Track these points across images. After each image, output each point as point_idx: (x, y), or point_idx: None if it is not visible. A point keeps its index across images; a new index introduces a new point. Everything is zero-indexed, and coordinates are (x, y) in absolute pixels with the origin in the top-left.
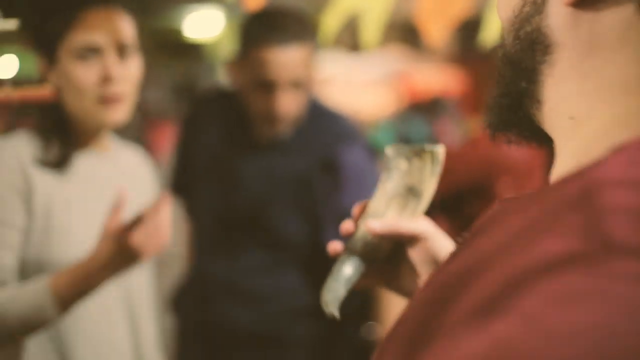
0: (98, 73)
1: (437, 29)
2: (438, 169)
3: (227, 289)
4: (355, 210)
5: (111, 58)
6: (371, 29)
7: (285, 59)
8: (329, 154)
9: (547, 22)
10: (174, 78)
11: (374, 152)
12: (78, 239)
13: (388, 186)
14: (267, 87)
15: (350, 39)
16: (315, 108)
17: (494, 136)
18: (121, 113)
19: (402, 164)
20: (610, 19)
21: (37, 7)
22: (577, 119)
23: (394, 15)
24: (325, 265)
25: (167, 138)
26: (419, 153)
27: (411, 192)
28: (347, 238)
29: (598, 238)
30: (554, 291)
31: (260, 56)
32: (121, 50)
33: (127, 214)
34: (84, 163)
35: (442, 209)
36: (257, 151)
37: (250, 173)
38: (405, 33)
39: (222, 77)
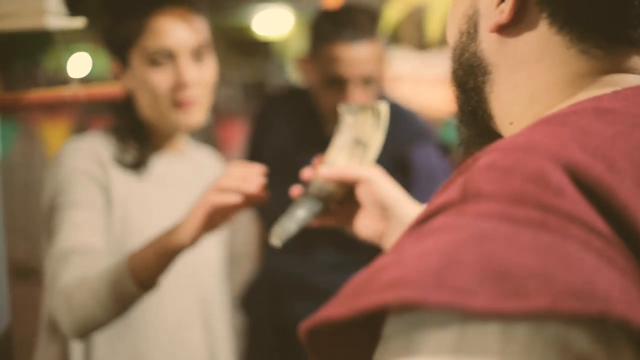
0: (172, 78)
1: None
2: (381, 122)
3: (298, 287)
4: (315, 160)
5: (185, 62)
6: (435, 23)
7: (356, 55)
8: (401, 153)
9: (481, 47)
10: (243, 76)
11: (445, 149)
12: (137, 242)
13: (339, 139)
14: (337, 83)
15: (417, 36)
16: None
17: (467, 151)
18: (196, 116)
19: (349, 119)
20: (528, 37)
21: (109, 10)
22: (515, 124)
23: None
24: None
25: (237, 135)
26: (363, 109)
27: (358, 143)
28: (306, 184)
29: (464, 189)
30: (429, 228)
31: (331, 53)
32: (195, 53)
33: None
34: (159, 164)
35: None
36: (327, 147)
37: None
38: None
39: (292, 74)
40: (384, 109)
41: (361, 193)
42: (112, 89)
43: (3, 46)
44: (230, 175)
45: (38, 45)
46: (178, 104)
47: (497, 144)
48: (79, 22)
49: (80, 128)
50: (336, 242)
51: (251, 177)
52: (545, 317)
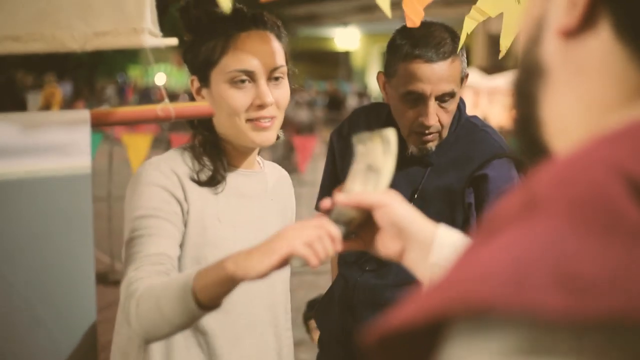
0: (251, 98)
1: None
2: (390, 147)
3: (372, 302)
4: (336, 190)
5: (264, 84)
6: (506, 37)
7: (435, 72)
8: (480, 169)
9: (543, 50)
10: (323, 90)
11: (521, 163)
12: (224, 254)
13: (354, 167)
14: (416, 99)
15: (484, 60)
16: (466, 122)
17: (530, 161)
18: (270, 135)
19: (361, 148)
20: (592, 46)
21: (194, 29)
22: (565, 132)
23: None
24: None
25: (313, 147)
26: (371, 137)
27: (370, 169)
28: (328, 212)
29: (531, 197)
30: (496, 235)
31: (410, 69)
32: (273, 75)
33: (271, 232)
34: (234, 180)
35: None
36: (407, 165)
37: (399, 187)
38: None
39: (362, 80)
40: (392, 135)
41: (378, 216)
42: (199, 107)
43: (90, 63)
44: (321, 228)
45: (121, 63)
46: (255, 123)
47: (561, 154)
48: (172, 41)
49: (161, 139)
50: None
51: (336, 241)
52: (620, 322)
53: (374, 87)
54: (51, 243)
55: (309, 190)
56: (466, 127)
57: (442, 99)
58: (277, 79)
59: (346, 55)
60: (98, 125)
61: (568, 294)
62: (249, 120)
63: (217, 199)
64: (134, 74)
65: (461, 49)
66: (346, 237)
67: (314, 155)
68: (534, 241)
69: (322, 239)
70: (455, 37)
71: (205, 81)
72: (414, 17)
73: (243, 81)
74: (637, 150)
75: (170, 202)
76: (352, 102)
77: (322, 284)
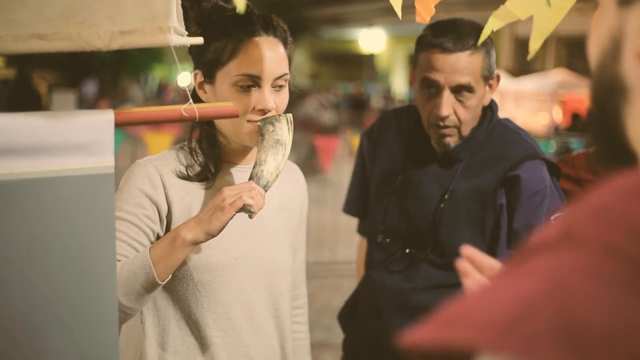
0: (254, 102)
1: None
2: (291, 126)
3: (398, 305)
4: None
5: (268, 90)
6: (535, 41)
7: (450, 62)
8: (513, 170)
9: (623, 69)
10: (347, 86)
11: (553, 166)
12: (215, 247)
13: (263, 144)
14: (433, 90)
15: (513, 63)
16: (498, 124)
17: (601, 166)
18: None
19: (269, 127)
20: None
21: (200, 24)
22: None
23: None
24: None
25: (336, 147)
26: (278, 119)
27: (278, 142)
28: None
29: (567, 229)
30: (523, 268)
31: (427, 58)
32: (276, 82)
33: (266, 226)
34: (228, 176)
35: None
36: (438, 165)
37: (430, 187)
38: (572, 54)
39: (391, 89)
40: (290, 116)
41: None
42: (223, 108)
43: (115, 62)
44: (252, 186)
45: (146, 62)
46: (255, 124)
47: (617, 181)
48: (198, 40)
49: (182, 136)
50: (438, 262)
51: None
52: None
53: (399, 89)
54: (74, 241)
55: (333, 193)
56: (498, 128)
57: (458, 91)
58: (279, 86)
59: (371, 57)
60: (122, 125)
61: (561, 349)
62: (249, 121)
63: (207, 193)
64: (159, 73)
65: (489, 46)
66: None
67: (338, 156)
68: (550, 286)
69: (257, 194)
70: (477, 32)
71: (210, 78)
72: (424, 13)
73: (248, 84)
74: None
75: (145, 205)
76: (376, 104)
77: (346, 286)
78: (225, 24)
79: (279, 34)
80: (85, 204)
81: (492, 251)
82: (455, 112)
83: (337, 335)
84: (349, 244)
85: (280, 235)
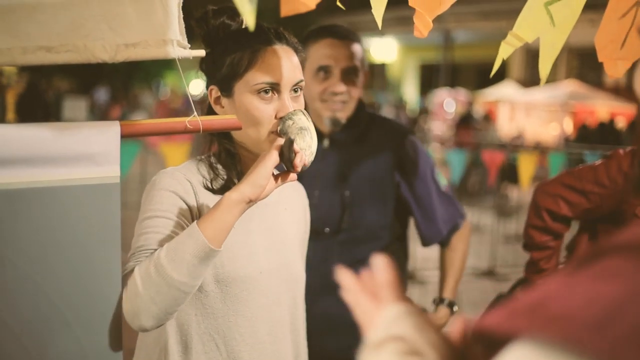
0: (274, 110)
1: (618, 66)
2: (309, 117)
3: (329, 323)
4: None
5: (287, 96)
6: (545, 64)
7: (343, 49)
8: (402, 149)
9: None
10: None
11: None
12: (241, 260)
13: (290, 135)
14: (327, 73)
15: (523, 74)
16: (371, 114)
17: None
18: None
19: (289, 122)
20: None
21: (208, 43)
22: None
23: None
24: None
25: None
26: (294, 112)
27: (302, 129)
28: None
29: None
30: (603, 267)
31: (321, 49)
32: (294, 89)
33: (284, 239)
34: None
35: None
36: (333, 153)
37: (332, 176)
38: (582, 65)
39: (403, 99)
40: (304, 111)
41: None
42: (227, 120)
43: (126, 69)
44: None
45: (157, 69)
46: (277, 134)
47: None
48: (200, 52)
49: (198, 147)
50: (350, 241)
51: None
52: None
53: (410, 99)
54: (80, 249)
55: None
56: (372, 116)
57: (348, 73)
58: (296, 91)
59: (382, 66)
60: (128, 136)
61: None
62: (271, 132)
63: None
64: (170, 80)
65: (363, 45)
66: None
67: None
68: (634, 289)
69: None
70: (356, 32)
71: (227, 91)
72: (423, 28)
73: (267, 92)
74: None
75: (180, 206)
76: (387, 113)
77: None
78: (237, 37)
79: (291, 43)
80: (92, 212)
81: (401, 219)
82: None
83: None
84: None
85: (295, 248)
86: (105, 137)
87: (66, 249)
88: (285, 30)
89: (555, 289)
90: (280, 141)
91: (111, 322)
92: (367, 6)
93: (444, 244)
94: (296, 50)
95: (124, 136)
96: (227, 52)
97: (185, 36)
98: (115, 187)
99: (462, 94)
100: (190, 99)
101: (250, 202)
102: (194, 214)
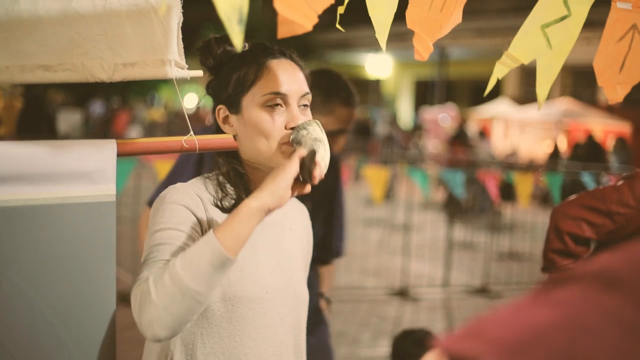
0: (284, 122)
1: (617, 91)
2: (322, 127)
3: None
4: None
5: (296, 108)
6: (542, 85)
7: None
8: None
9: None
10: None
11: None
12: (249, 278)
13: (305, 142)
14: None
15: (517, 92)
16: None
17: None
18: None
19: (303, 132)
20: None
21: (211, 70)
22: None
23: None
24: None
25: (347, 180)
26: (308, 123)
27: (316, 140)
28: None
29: (605, 267)
30: (553, 295)
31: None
32: (302, 101)
33: (289, 259)
34: None
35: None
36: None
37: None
38: (577, 83)
39: (397, 115)
40: (318, 121)
41: None
42: (223, 140)
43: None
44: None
45: (153, 82)
46: (288, 145)
47: None
48: (198, 73)
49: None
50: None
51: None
52: None
53: (404, 115)
54: (75, 267)
55: None
56: None
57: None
58: (305, 105)
59: (377, 82)
60: (124, 154)
61: None
62: (283, 143)
63: None
64: (165, 94)
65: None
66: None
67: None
68: (568, 320)
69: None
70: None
71: (235, 108)
72: (423, 51)
73: (277, 104)
74: None
75: (192, 219)
76: (381, 130)
77: (346, 311)
78: (241, 55)
79: (294, 59)
80: (87, 230)
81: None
82: None
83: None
84: (349, 270)
85: (300, 269)
86: (101, 155)
87: (61, 267)
88: (288, 49)
89: (505, 312)
90: (303, 151)
91: (105, 339)
92: (362, 22)
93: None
94: (300, 67)
95: (120, 155)
96: (233, 70)
97: (183, 56)
98: (110, 205)
99: (451, 109)
100: (187, 117)
101: (269, 211)
102: (205, 229)
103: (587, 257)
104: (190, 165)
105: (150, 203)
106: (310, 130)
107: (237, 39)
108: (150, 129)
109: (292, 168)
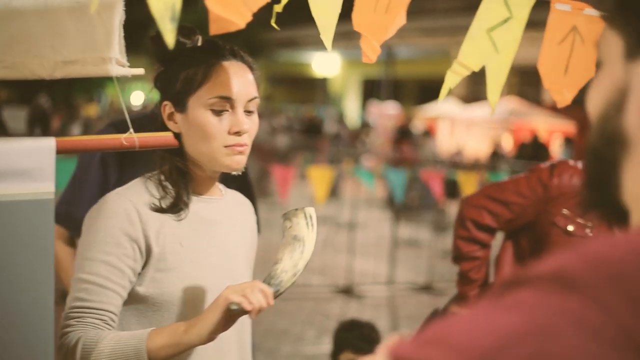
0: (229, 125)
1: (564, 94)
2: (313, 221)
3: None
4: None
5: (242, 112)
6: (492, 90)
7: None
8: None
9: (626, 121)
10: (300, 109)
11: None
12: (189, 279)
13: (283, 240)
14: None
15: (464, 92)
16: None
17: (584, 213)
18: (244, 161)
19: (287, 223)
20: None
21: (162, 61)
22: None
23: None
24: None
25: (292, 178)
26: (295, 213)
27: (295, 239)
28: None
29: (560, 268)
30: (509, 300)
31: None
32: (248, 105)
33: (232, 257)
34: (196, 207)
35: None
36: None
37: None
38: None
39: (344, 113)
40: (311, 210)
41: None
42: (162, 137)
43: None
44: (254, 285)
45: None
46: (231, 148)
47: (616, 237)
48: (139, 71)
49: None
50: None
51: (268, 295)
52: None
53: (351, 114)
54: (12, 264)
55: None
56: None
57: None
58: (250, 110)
59: (324, 80)
60: (64, 152)
61: None
62: (225, 145)
63: (180, 224)
64: (112, 92)
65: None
66: (276, 296)
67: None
68: (531, 325)
69: (254, 291)
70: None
71: (181, 107)
72: (370, 53)
73: (223, 108)
74: None
75: (125, 245)
76: (329, 129)
77: (290, 309)
78: (192, 53)
79: (246, 60)
80: (25, 228)
81: None
82: None
83: (281, 358)
84: None
85: (244, 266)
86: (40, 153)
87: None
88: (237, 49)
89: (464, 319)
90: (233, 305)
91: (42, 340)
92: (309, 20)
93: None
94: (251, 68)
95: (59, 152)
96: (182, 67)
97: (124, 54)
98: (49, 203)
99: (393, 107)
100: (126, 115)
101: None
102: (141, 246)
103: (499, 249)
104: (95, 166)
105: (58, 219)
106: (293, 223)
107: (169, 37)
108: (94, 126)
109: (216, 314)
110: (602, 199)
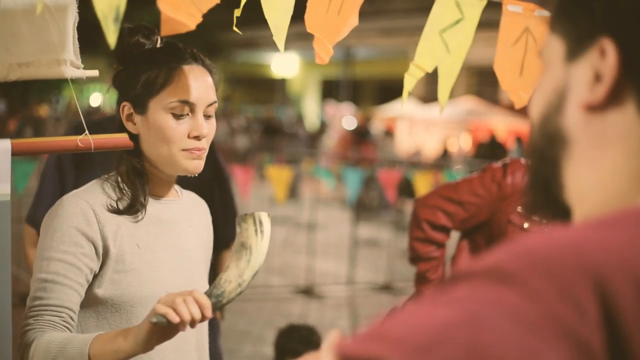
0: (188, 129)
1: (521, 96)
2: (263, 227)
3: None
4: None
5: (201, 116)
6: (443, 90)
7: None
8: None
9: (565, 120)
10: (259, 110)
11: None
12: (147, 280)
13: (232, 247)
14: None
15: (422, 92)
16: None
17: (530, 214)
18: (202, 164)
19: (237, 228)
20: (615, 120)
21: (122, 61)
22: (584, 201)
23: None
24: None
25: (252, 177)
26: (244, 218)
27: (243, 246)
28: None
29: (496, 265)
30: (448, 295)
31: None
32: (207, 109)
33: (190, 258)
34: (153, 208)
35: (467, 233)
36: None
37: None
38: (480, 82)
39: (302, 114)
40: (263, 215)
41: None
42: (118, 139)
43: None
44: (188, 295)
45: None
46: (189, 152)
47: (550, 232)
48: (94, 73)
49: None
50: None
51: (205, 307)
52: None
53: (309, 114)
54: None
55: None
56: None
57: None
58: (209, 115)
59: (283, 81)
60: (19, 154)
61: None
62: (183, 148)
63: (137, 226)
64: (69, 94)
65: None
66: (218, 307)
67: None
68: (468, 317)
69: (187, 302)
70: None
71: (141, 108)
72: (323, 54)
73: (183, 112)
74: (623, 246)
75: (82, 244)
76: (287, 129)
77: (250, 310)
78: (153, 55)
79: (206, 64)
80: None
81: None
82: None
83: (241, 358)
84: None
85: (201, 266)
86: None
87: None
88: (197, 52)
89: (405, 313)
90: (153, 318)
91: (1, 338)
92: (267, 21)
93: None
94: (210, 72)
95: (15, 154)
96: (143, 69)
97: (79, 56)
98: (5, 205)
99: (349, 108)
100: (82, 116)
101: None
102: (98, 246)
103: (456, 248)
104: (51, 172)
105: (29, 220)
106: (242, 229)
107: (111, 37)
108: (45, 126)
109: (148, 326)
110: (546, 200)
